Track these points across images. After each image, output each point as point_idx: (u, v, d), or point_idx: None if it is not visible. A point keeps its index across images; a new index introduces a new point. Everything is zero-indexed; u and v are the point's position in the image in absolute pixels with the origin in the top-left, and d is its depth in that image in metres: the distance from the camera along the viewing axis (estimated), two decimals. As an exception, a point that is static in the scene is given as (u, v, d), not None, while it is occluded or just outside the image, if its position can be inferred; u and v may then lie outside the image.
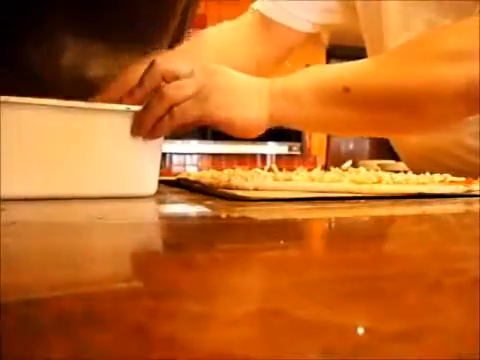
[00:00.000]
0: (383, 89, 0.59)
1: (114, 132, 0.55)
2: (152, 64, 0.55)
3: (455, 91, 0.58)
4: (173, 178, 0.81)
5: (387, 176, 0.62)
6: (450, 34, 0.61)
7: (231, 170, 0.74)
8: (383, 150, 3.25)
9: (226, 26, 0.91)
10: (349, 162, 0.73)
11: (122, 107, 0.54)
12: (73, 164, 0.53)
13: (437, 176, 0.64)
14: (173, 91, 0.54)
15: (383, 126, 0.65)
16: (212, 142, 3.42)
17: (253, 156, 3.28)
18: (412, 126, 0.65)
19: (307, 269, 0.25)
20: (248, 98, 0.58)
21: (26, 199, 0.50)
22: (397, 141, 0.96)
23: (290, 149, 3.26)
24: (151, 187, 0.58)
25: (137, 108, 0.55)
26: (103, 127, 0.54)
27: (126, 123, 0.55)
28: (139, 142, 0.56)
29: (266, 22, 0.88)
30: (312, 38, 0.92)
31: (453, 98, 0.59)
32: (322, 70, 0.64)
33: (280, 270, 0.24)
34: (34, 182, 0.52)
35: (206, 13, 3.37)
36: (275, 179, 0.61)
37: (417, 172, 0.68)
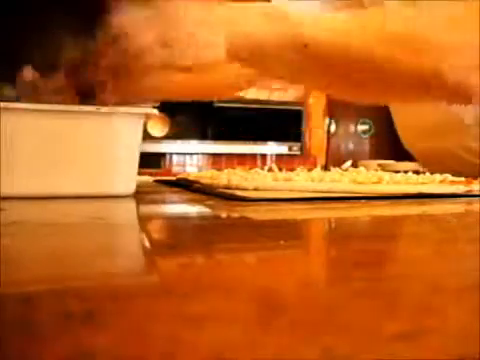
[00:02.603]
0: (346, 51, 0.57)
1: (89, 132, 0.55)
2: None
3: (419, 79, 0.58)
4: (173, 178, 0.81)
5: (387, 176, 0.62)
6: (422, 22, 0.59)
7: (231, 170, 0.74)
8: (383, 150, 3.25)
9: None
10: (349, 162, 0.73)
11: (93, 108, 0.54)
12: (54, 164, 0.54)
13: (437, 176, 0.64)
14: None
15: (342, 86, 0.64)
16: (212, 142, 3.42)
17: (253, 156, 3.28)
18: (370, 94, 0.65)
19: (307, 269, 0.25)
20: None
21: (20, 197, 0.51)
22: (411, 143, 0.97)
23: (290, 149, 3.26)
24: (129, 187, 0.57)
25: (105, 109, 0.55)
26: (78, 128, 0.54)
27: (103, 123, 0.55)
28: (116, 142, 0.56)
29: None
30: None
31: (415, 86, 0.59)
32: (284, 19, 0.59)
33: (280, 270, 0.24)
34: (24, 182, 0.52)
35: (206, 13, 3.37)
36: (275, 179, 0.61)
37: (431, 173, 0.67)
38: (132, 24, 0.53)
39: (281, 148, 3.24)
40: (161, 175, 1.17)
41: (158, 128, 3.36)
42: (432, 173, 0.66)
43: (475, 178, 0.63)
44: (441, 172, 0.66)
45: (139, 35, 0.53)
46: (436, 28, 0.59)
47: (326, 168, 0.72)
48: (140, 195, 0.59)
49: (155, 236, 0.37)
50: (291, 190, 0.57)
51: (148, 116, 0.58)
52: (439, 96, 0.62)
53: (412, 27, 0.59)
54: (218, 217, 0.46)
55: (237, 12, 0.58)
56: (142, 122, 0.57)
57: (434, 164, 0.79)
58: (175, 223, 0.43)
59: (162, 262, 0.27)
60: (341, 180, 0.60)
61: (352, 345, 0.14)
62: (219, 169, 0.78)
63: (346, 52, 0.57)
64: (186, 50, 0.55)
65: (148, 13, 0.54)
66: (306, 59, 0.57)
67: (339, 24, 0.59)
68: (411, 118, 0.90)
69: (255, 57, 0.57)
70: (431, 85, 0.58)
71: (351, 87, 0.63)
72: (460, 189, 0.58)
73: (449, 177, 0.63)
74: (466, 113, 0.74)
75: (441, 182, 0.62)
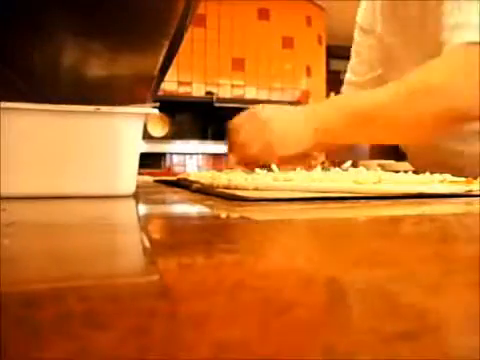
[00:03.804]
0: (397, 119, 0.84)
1: (89, 133, 0.55)
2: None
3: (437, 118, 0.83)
4: (173, 178, 0.82)
5: (387, 176, 0.62)
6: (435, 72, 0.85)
7: (230, 170, 0.75)
8: (383, 150, 3.25)
9: None
10: (349, 162, 0.73)
11: (91, 108, 0.54)
12: (54, 164, 0.54)
13: (437, 176, 0.64)
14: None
15: (397, 140, 0.98)
16: (212, 142, 3.42)
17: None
18: (416, 139, 0.94)
19: (307, 269, 0.25)
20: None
21: (20, 197, 0.51)
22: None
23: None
24: (129, 186, 0.57)
25: (105, 109, 0.55)
26: (78, 128, 0.54)
27: (103, 123, 0.55)
28: (116, 142, 0.56)
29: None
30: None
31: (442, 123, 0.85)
32: (349, 101, 0.89)
33: (280, 270, 0.24)
34: (24, 182, 0.52)
35: (206, 13, 3.37)
36: (275, 179, 0.61)
37: (417, 171, 0.69)
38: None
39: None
40: (161, 175, 1.17)
41: (158, 128, 3.36)
42: (432, 173, 0.67)
43: (475, 178, 0.63)
44: (426, 167, 0.71)
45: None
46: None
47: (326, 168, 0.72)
48: (140, 195, 0.59)
49: (155, 236, 0.37)
50: (291, 190, 0.57)
51: (148, 116, 0.58)
52: None
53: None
54: (218, 217, 0.46)
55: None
56: (142, 122, 0.57)
57: (421, 159, 1.02)
58: (175, 223, 0.43)
59: (162, 262, 0.27)
60: (341, 180, 0.60)
61: (352, 345, 0.14)
62: (219, 169, 0.78)
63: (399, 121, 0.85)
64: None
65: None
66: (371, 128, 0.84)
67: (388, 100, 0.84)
68: None
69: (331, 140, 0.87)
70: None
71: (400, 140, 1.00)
72: (460, 189, 0.58)
73: (449, 177, 0.63)
74: None
75: (441, 182, 0.62)
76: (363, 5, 1.17)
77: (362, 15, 1.17)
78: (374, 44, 1.13)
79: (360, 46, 1.19)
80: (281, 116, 0.83)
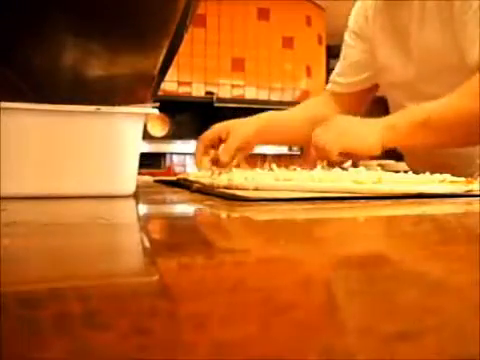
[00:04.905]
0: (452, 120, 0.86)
1: (90, 133, 0.55)
2: None
3: None
4: (173, 178, 0.82)
5: (387, 176, 0.62)
6: None
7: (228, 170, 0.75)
8: (383, 150, 3.25)
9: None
10: (349, 162, 0.73)
11: (92, 108, 0.54)
12: (54, 164, 0.54)
13: (437, 176, 0.64)
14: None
15: (450, 142, 0.93)
16: (212, 142, 3.42)
17: (253, 156, 3.27)
18: (465, 143, 0.94)
19: (307, 269, 0.25)
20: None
21: (20, 197, 0.51)
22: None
23: (290, 149, 3.26)
24: (129, 186, 0.57)
25: (106, 109, 0.55)
26: (79, 128, 0.54)
27: (103, 123, 0.55)
28: (116, 142, 0.56)
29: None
30: None
31: None
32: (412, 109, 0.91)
33: (280, 270, 0.24)
34: (24, 182, 0.52)
35: (206, 13, 3.37)
36: (275, 179, 0.61)
37: (417, 171, 0.69)
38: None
39: (281, 148, 3.23)
40: (161, 175, 1.18)
41: (158, 128, 3.36)
42: (432, 173, 0.66)
43: (474, 178, 0.63)
44: (423, 168, 0.70)
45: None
46: None
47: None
48: (140, 195, 0.59)
49: (155, 236, 0.37)
50: (291, 190, 0.57)
51: (148, 116, 0.58)
52: None
53: None
54: (218, 217, 0.46)
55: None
56: (142, 122, 0.57)
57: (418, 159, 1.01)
58: (175, 223, 0.43)
59: (162, 262, 0.27)
60: (341, 180, 0.60)
61: (352, 345, 0.14)
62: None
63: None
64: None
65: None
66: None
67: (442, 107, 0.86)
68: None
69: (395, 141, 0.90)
70: None
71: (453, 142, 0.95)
72: (460, 189, 0.58)
73: (449, 177, 0.63)
74: None
75: (441, 182, 0.62)
76: (355, 9, 1.18)
77: (354, 19, 1.18)
78: (365, 48, 1.15)
79: (350, 48, 1.20)
80: (354, 120, 0.90)
